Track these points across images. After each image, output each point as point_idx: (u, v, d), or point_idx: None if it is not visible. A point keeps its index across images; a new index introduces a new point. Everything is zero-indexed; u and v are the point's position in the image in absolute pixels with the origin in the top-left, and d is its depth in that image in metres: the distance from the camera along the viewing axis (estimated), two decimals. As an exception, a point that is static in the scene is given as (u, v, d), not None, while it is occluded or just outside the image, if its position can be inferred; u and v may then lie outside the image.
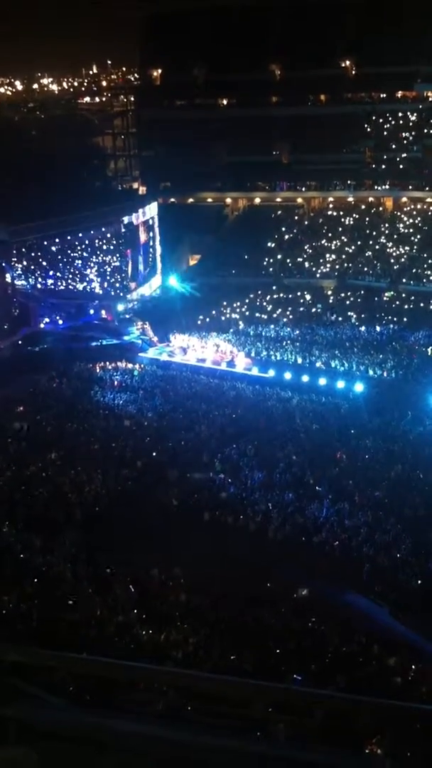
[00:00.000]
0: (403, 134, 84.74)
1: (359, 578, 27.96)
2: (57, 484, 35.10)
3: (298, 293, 69.26)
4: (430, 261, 72.12)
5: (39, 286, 62.73)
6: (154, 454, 38.51)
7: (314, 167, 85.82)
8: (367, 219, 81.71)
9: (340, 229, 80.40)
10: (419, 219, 79.62)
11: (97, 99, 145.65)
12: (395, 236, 77.52)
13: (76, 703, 9.04)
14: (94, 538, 30.10)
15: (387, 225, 79.96)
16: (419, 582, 27.44)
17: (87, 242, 67.10)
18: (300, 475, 35.49)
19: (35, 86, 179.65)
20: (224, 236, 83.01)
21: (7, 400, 46.24)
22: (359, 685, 19.70)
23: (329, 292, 70.17)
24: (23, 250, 62.96)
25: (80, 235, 66.27)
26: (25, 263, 63.25)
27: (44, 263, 64.42)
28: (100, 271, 66.55)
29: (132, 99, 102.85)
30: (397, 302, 66.33)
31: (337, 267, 74.50)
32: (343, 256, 75.72)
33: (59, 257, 65.09)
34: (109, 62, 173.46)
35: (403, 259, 73.63)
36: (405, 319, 60.14)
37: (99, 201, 73.99)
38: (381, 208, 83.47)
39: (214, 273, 75.23)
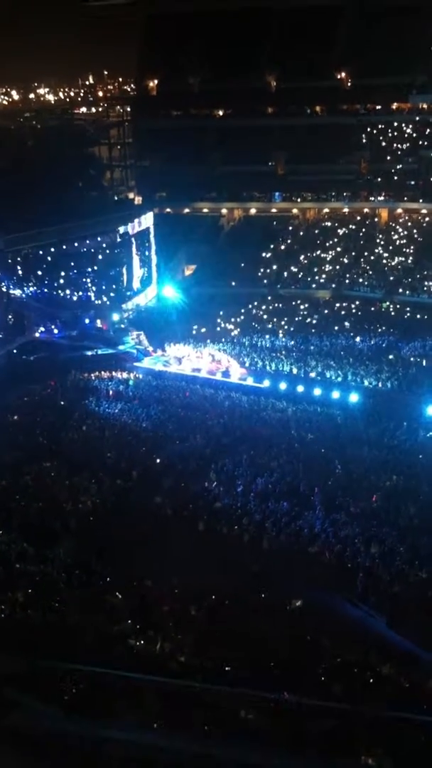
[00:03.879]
0: (399, 145, 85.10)
1: (354, 588, 27.94)
2: (52, 493, 35.07)
3: (293, 303, 69.40)
4: (425, 272, 72.34)
5: (35, 295, 62.70)
6: (148, 463, 38.47)
7: (310, 178, 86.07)
8: (363, 230, 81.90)
9: (336, 239, 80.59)
10: (414, 230, 79.85)
11: (93, 109, 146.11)
12: (390, 247, 77.75)
13: (71, 712, 9.06)
14: (88, 547, 30.06)
15: (382, 236, 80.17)
16: (414, 591, 27.43)
17: (83, 252, 67.15)
18: (295, 485, 35.49)
19: (32, 96, 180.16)
20: (220, 246, 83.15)
21: (2, 409, 46.20)
22: (355, 694, 19.66)
23: (324, 303, 70.30)
24: (19, 259, 62.96)
25: (76, 244, 66.30)
26: (20, 272, 63.23)
27: (40, 272, 64.41)
28: (96, 281, 66.58)
29: (128, 109, 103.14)
30: (392, 313, 66.47)
31: (332, 277, 74.67)
32: (339, 267, 75.90)
33: (55, 266, 65.07)
34: (105, 72, 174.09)
35: (398, 270, 73.84)
36: (400, 330, 60.25)
37: (95, 211, 74.09)
38: (376, 219, 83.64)
39: (210, 283, 75.34)
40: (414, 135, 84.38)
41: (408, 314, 65.18)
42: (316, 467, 37.26)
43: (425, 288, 69.94)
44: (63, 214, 65.77)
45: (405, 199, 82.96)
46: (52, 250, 64.49)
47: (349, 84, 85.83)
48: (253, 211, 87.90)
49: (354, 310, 67.04)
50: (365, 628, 25.74)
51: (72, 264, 66.03)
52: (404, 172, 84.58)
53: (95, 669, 15.38)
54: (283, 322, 63.38)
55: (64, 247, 65.22)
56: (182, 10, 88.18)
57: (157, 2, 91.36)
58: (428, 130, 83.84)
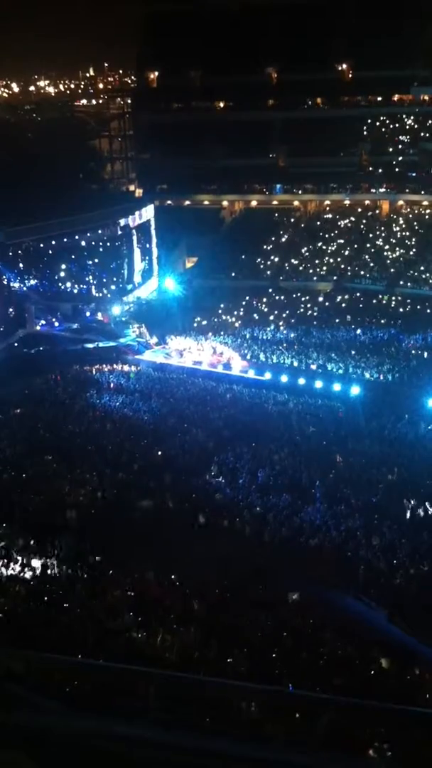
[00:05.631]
0: (400, 137, 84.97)
1: (355, 581, 27.91)
2: (53, 486, 35.05)
3: (295, 296, 69.32)
4: (426, 264, 72.24)
5: (35, 288, 62.67)
6: (149, 456, 38.43)
7: (311, 170, 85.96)
8: (364, 222, 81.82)
9: (337, 232, 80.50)
10: (415, 222, 79.73)
11: (93, 101, 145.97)
12: (392, 239, 77.64)
13: (72, 707, 9.02)
14: (89, 541, 30.05)
15: (383, 228, 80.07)
16: (415, 585, 27.40)
17: (83, 244, 67.10)
18: (296, 478, 35.45)
19: (32, 88, 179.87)
20: (221, 239, 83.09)
21: (3, 402, 46.18)
22: (355, 689, 19.64)
23: (325, 295, 70.19)
24: (19, 251, 62.92)
25: (77, 237, 66.26)
26: (21, 265, 63.20)
27: (41, 265, 64.39)
28: (97, 273, 66.53)
29: (129, 101, 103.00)
30: (394, 305, 66.38)
31: (333, 270, 74.55)
32: (340, 259, 75.79)
33: (56, 259, 65.03)
34: (106, 65, 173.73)
35: (399, 263, 73.72)
36: (401, 322, 60.21)
37: (95, 203, 73.95)
38: (377, 211, 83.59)
39: (211, 275, 75.32)
40: (415, 127, 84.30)
41: (409, 306, 65.11)
42: (317, 460, 37.22)
43: (426, 280, 69.84)
44: (63, 207, 65.66)
45: (406, 191, 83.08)
46: (53, 242, 64.43)
47: (350, 76, 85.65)
48: (254, 203, 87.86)
49: (355, 303, 66.96)
50: (366, 622, 25.73)
51: (73, 257, 65.99)
52: (405, 164, 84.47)
53: (97, 663, 15.29)
54: (284, 315, 63.35)
55: (65, 239, 65.15)
56: (183, 3, 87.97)
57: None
58: (429, 122, 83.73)
